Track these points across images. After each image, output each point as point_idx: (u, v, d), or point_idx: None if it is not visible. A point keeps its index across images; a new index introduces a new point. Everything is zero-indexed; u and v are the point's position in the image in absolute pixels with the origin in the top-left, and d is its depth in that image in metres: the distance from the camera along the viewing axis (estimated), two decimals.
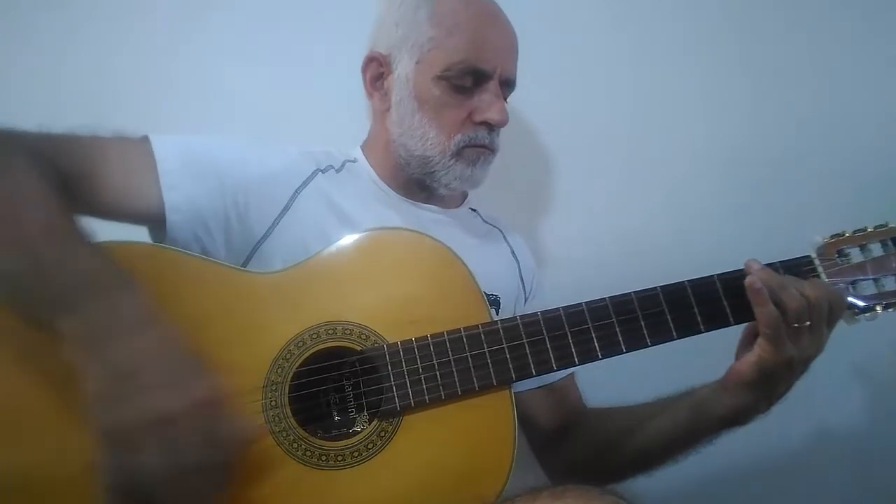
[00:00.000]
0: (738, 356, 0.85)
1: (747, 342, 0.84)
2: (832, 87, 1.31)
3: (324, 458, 0.77)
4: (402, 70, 0.97)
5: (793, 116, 1.30)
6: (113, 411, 0.62)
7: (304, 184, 0.96)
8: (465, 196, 1.11)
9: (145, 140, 0.88)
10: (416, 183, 1.02)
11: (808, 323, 0.79)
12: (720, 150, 1.30)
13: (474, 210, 1.13)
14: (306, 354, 0.79)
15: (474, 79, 0.95)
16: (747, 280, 0.81)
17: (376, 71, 1.01)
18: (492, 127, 0.97)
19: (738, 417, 0.86)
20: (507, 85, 1.00)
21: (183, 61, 1.21)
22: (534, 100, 1.17)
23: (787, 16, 1.31)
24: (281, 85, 1.23)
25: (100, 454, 0.62)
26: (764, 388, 0.82)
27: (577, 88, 1.30)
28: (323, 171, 0.99)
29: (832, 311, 0.82)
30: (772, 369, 0.81)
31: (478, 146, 0.97)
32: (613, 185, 1.30)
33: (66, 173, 0.77)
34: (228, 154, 0.92)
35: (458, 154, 0.96)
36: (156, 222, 0.86)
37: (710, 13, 1.31)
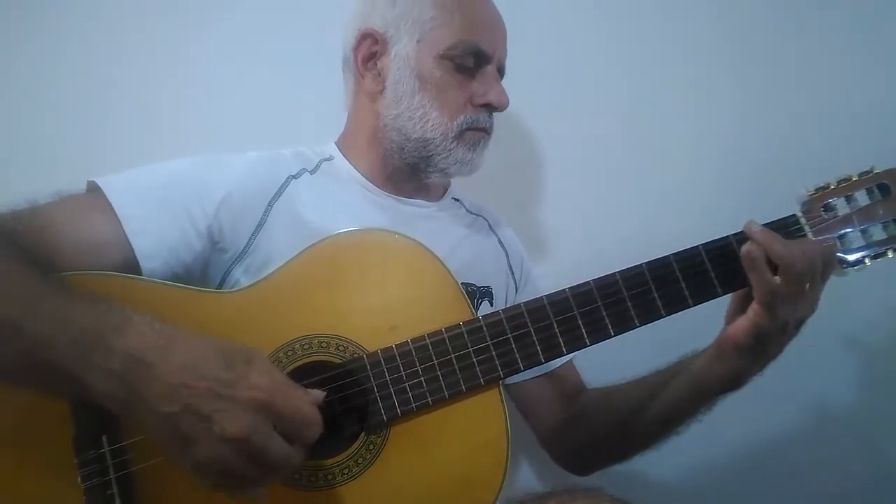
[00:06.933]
0: (728, 321, 0.83)
1: (738, 307, 0.82)
2: (823, 85, 1.30)
3: (313, 478, 0.74)
4: (402, 49, 0.93)
5: (785, 116, 1.29)
6: (188, 456, 0.62)
7: (277, 195, 0.90)
8: (446, 186, 1.07)
9: (95, 189, 0.82)
10: (406, 171, 0.97)
11: (807, 285, 0.77)
12: (714, 149, 1.30)
13: (457, 200, 1.08)
14: (284, 373, 0.75)
15: (475, 59, 0.94)
16: (744, 249, 0.78)
17: (369, 49, 0.96)
18: (491, 111, 0.96)
19: (733, 384, 0.85)
20: (501, 72, 0.98)
21: (176, 64, 1.20)
22: (527, 100, 1.14)
23: (777, 15, 1.30)
24: (270, 83, 1.22)
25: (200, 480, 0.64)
26: (757, 352, 0.81)
27: (570, 89, 1.28)
28: (296, 177, 0.93)
29: (825, 270, 0.80)
30: (766, 334, 0.79)
31: (479, 129, 0.95)
32: (608, 186, 1.29)
33: (28, 251, 0.72)
34: (189, 181, 0.86)
35: (460, 137, 0.94)
36: (133, 271, 0.80)
37: (702, 14, 1.30)
